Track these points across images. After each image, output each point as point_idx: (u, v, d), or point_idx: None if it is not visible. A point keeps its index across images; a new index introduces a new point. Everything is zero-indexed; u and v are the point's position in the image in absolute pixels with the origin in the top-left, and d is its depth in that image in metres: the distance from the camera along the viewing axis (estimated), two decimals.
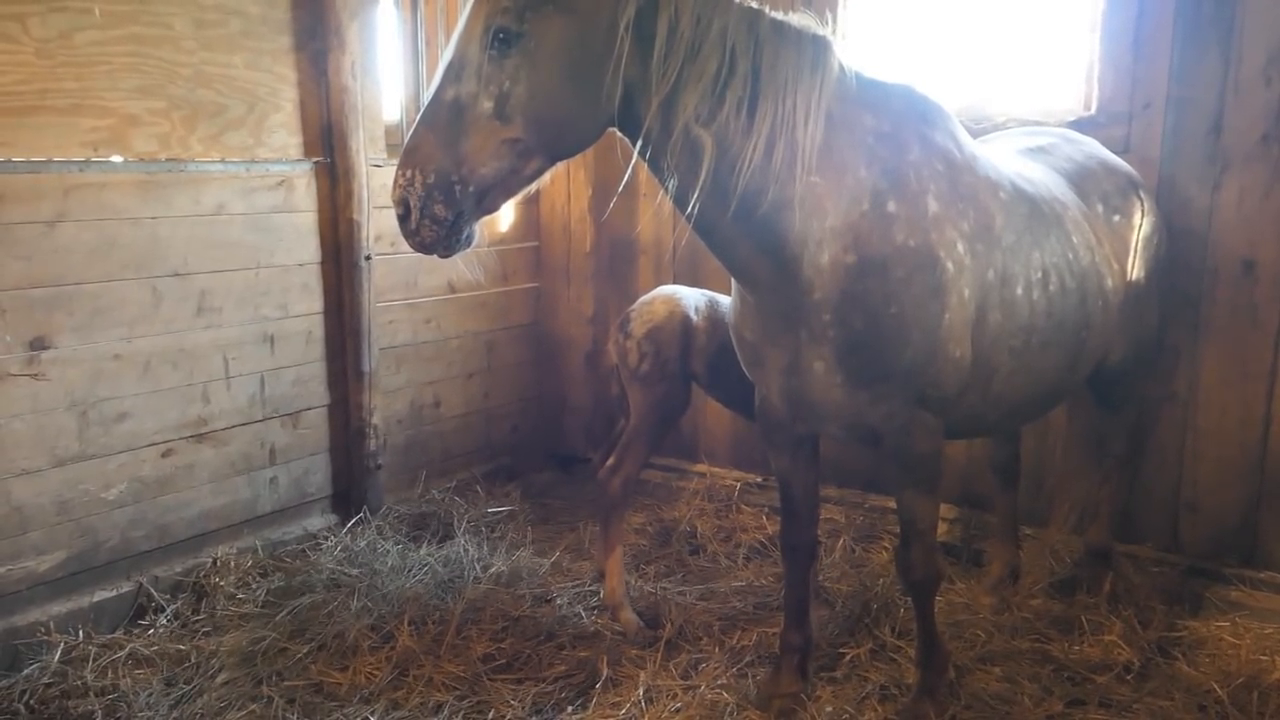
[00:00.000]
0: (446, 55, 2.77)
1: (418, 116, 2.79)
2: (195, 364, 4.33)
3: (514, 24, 2.68)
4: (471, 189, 2.74)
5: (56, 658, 3.71)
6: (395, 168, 2.77)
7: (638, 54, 2.75)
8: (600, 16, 2.72)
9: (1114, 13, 4.27)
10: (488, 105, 2.71)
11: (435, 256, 2.87)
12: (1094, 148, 3.95)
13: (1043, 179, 3.53)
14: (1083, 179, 3.71)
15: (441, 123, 2.72)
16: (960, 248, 3.03)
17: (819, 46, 2.92)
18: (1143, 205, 3.81)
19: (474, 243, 2.87)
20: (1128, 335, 3.75)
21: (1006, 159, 3.53)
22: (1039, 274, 3.26)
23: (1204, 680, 3.56)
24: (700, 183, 2.82)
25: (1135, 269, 3.72)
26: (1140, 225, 3.76)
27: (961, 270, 3.03)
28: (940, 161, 3.08)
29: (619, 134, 2.96)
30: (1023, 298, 3.20)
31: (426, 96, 2.80)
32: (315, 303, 4.80)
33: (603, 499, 4.16)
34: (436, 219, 2.73)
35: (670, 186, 2.91)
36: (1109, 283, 3.55)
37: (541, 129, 2.76)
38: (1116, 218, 3.71)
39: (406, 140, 2.78)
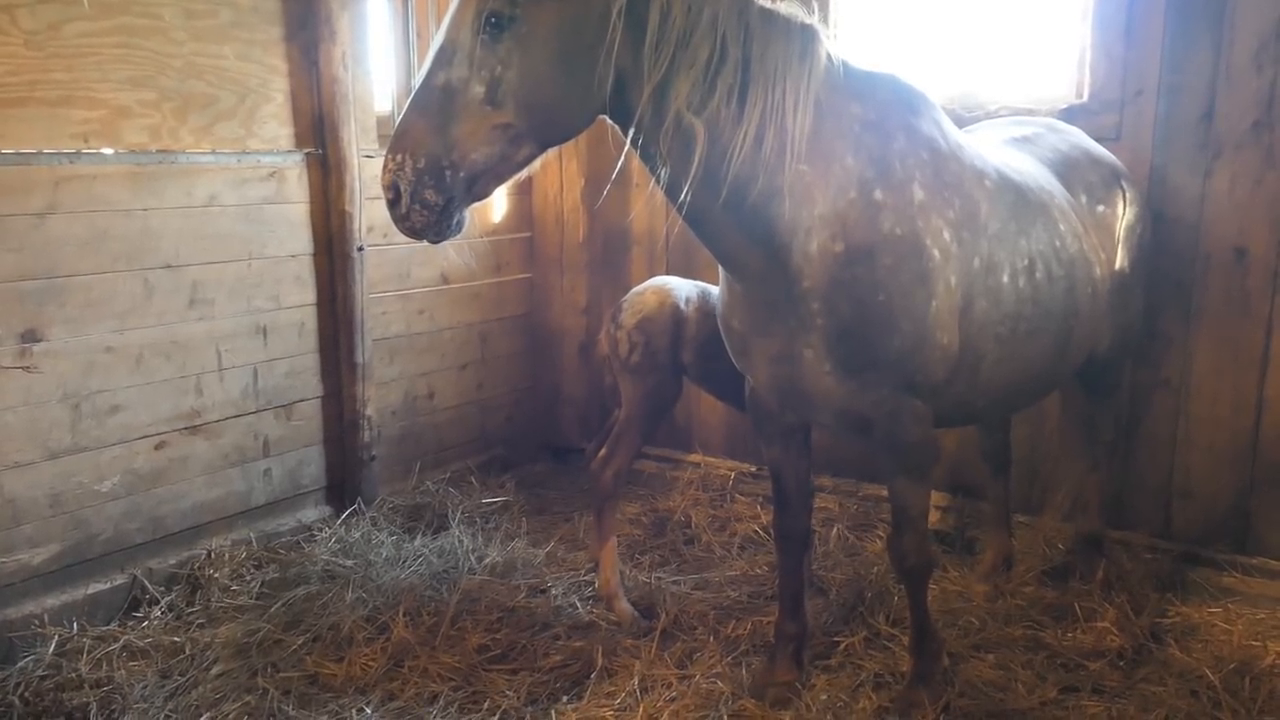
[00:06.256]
0: (437, 40, 2.75)
1: (408, 101, 2.76)
2: (188, 356, 4.32)
3: (507, 8, 2.66)
4: (462, 174, 2.73)
5: (51, 650, 3.71)
6: (385, 153, 2.75)
7: (630, 41, 2.74)
8: (593, 2, 2.71)
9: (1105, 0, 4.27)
10: (479, 90, 2.69)
11: (425, 243, 2.86)
12: (1079, 138, 3.95)
13: (1028, 168, 3.54)
14: (1068, 169, 3.72)
15: (432, 108, 2.70)
16: (946, 235, 3.04)
17: (807, 35, 2.92)
18: (1125, 196, 3.81)
19: (464, 229, 2.85)
20: (1115, 324, 3.76)
21: (992, 148, 3.53)
22: (1025, 262, 3.27)
23: (1196, 666, 3.58)
24: (692, 171, 2.82)
25: (1120, 258, 3.73)
26: (1124, 215, 3.77)
27: (948, 258, 3.04)
28: (925, 150, 3.08)
29: (610, 123, 2.96)
30: (1009, 285, 3.21)
31: (416, 81, 2.78)
32: (308, 294, 4.79)
33: (595, 490, 4.16)
34: (427, 204, 2.71)
35: (661, 175, 2.91)
36: (1096, 271, 3.57)
37: (533, 114, 2.75)
38: (1101, 208, 3.72)
39: (396, 125, 2.77)
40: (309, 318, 4.81)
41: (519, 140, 2.78)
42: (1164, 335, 4.29)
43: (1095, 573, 4.10)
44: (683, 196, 2.88)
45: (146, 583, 4.16)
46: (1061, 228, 3.45)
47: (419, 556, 4.51)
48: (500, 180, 2.86)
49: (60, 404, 3.92)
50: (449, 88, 2.70)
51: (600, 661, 3.69)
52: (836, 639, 3.83)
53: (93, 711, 3.39)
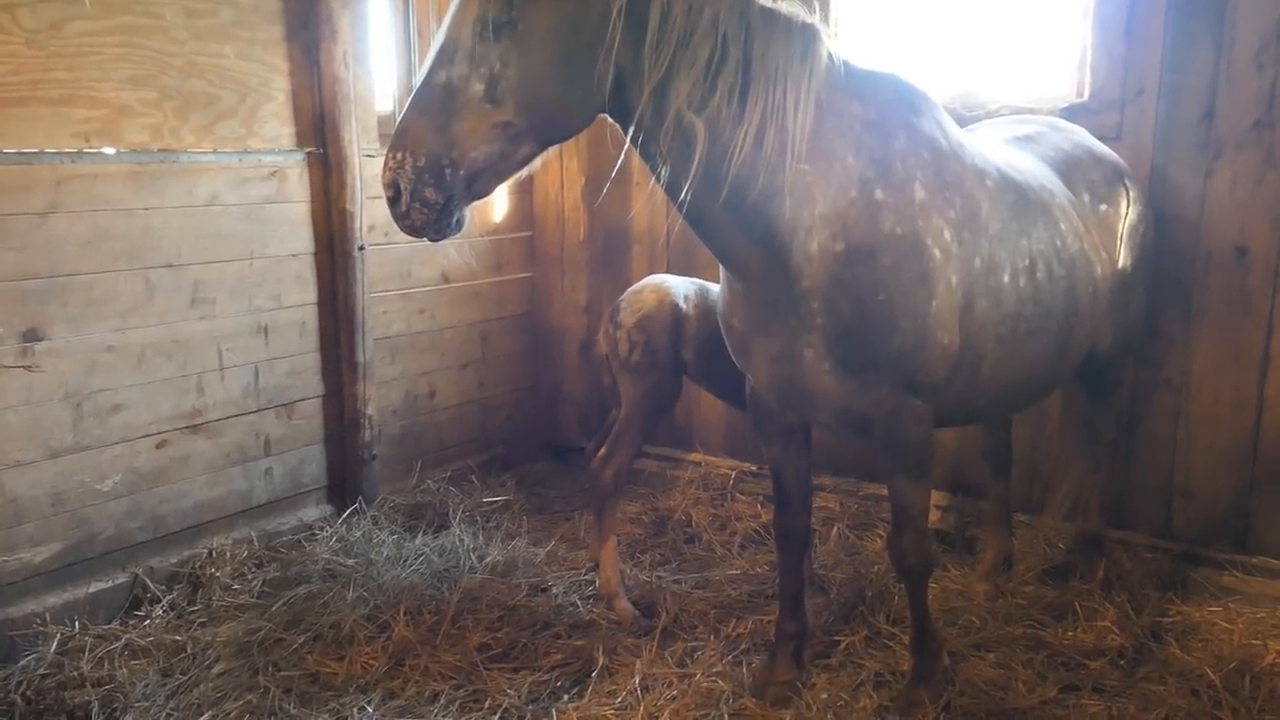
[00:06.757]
0: (438, 39, 2.76)
1: (409, 99, 2.77)
2: (189, 355, 4.33)
3: (505, 12, 2.67)
4: (462, 172, 2.73)
5: (53, 649, 3.72)
6: (386, 151, 2.75)
7: (629, 40, 2.74)
8: (592, 2, 2.71)
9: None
10: (479, 88, 2.69)
11: (426, 240, 2.87)
12: (1081, 136, 3.95)
13: (1030, 168, 3.54)
14: (1070, 168, 3.71)
15: (433, 106, 2.70)
16: (947, 235, 3.04)
17: (808, 35, 2.92)
18: (1129, 194, 3.81)
19: (465, 227, 2.85)
20: (1116, 323, 3.76)
21: (993, 147, 3.53)
22: (1026, 261, 3.26)
23: (1197, 665, 3.58)
24: (693, 170, 2.82)
25: (1122, 257, 3.73)
26: (1126, 214, 3.77)
27: (949, 258, 3.04)
28: (926, 149, 3.08)
29: (611, 121, 2.96)
30: (1009, 285, 3.21)
31: (417, 80, 2.79)
32: (309, 293, 4.79)
33: (595, 489, 4.16)
34: (427, 202, 2.72)
35: (662, 174, 2.91)
36: (1097, 271, 3.56)
37: (533, 112, 2.75)
38: (1103, 207, 3.72)
39: (397, 123, 2.77)
40: (310, 317, 4.81)
41: (519, 138, 2.78)
42: (1164, 334, 4.28)
43: (1095, 572, 4.10)
44: (683, 195, 2.88)
45: (148, 581, 4.17)
46: (1063, 227, 3.45)
47: (420, 555, 4.52)
48: (501, 178, 2.86)
49: (62, 403, 3.92)
50: (449, 86, 2.70)
51: (601, 660, 3.70)
52: (837, 638, 3.83)
53: (94, 710, 3.39)
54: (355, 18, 4.73)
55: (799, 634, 3.59)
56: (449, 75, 2.70)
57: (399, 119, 2.77)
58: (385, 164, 2.74)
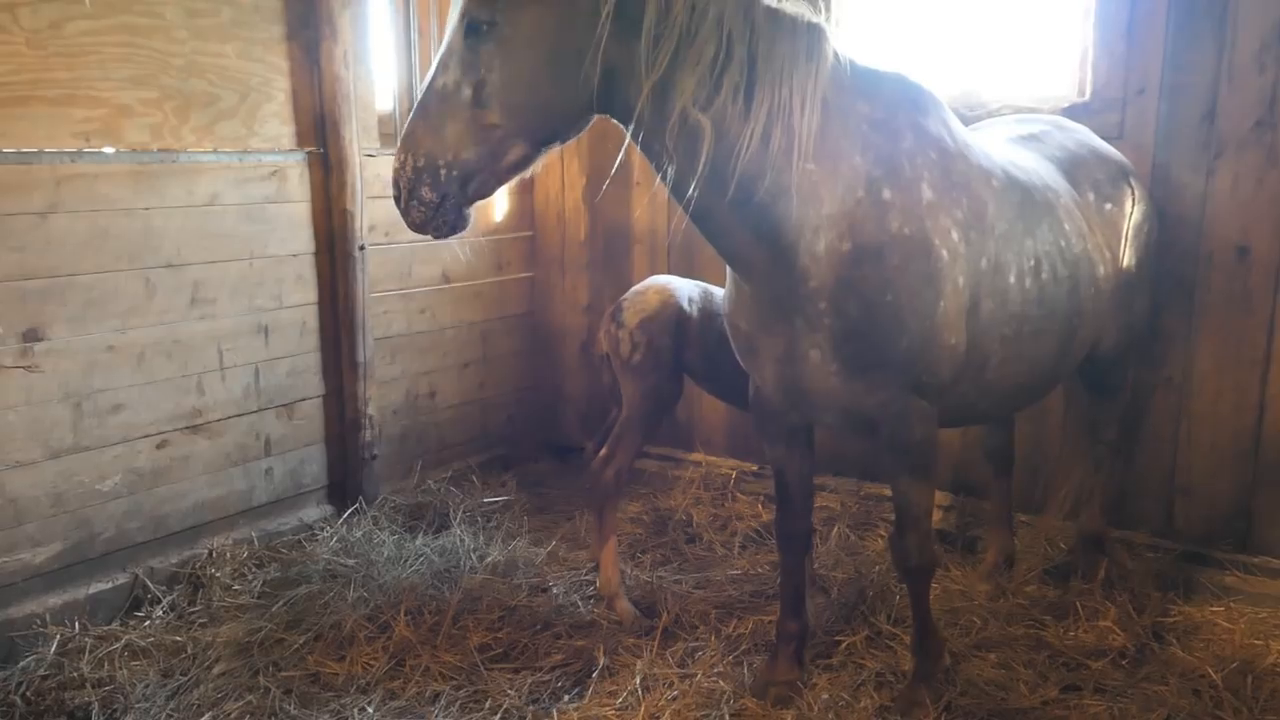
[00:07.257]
0: (443, 44, 2.85)
1: (415, 103, 2.87)
2: (189, 355, 4.32)
3: (486, 13, 2.73)
4: (455, 174, 2.83)
5: (53, 650, 3.71)
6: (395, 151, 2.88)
7: (622, 39, 2.75)
8: (579, 4, 2.73)
9: None
10: (467, 92, 2.79)
11: (430, 237, 2.96)
12: (1085, 135, 3.95)
13: (1034, 167, 3.53)
14: (1074, 167, 3.71)
15: (432, 110, 2.82)
16: (954, 235, 3.04)
17: (814, 34, 2.92)
18: (1133, 193, 3.81)
19: (468, 225, 2.94)
20: (1119, 322, 3.76)
21: (998, 147, 3.52)
22: (1031, 262, 3.26)
23: (1198, 665, 3.57)
24: (699, 168, 2.83)
25: (1126, 257, 3.73)
26: (1131, 213, 3.77)
27: (956, 258, 3.03)
28: (933, 149, 3.08)
29: (614, 121, 2.97)
30: (1015, 286, 3.21)
31: (422, 84, 2.89)
32: (310, 293, 4.79)
33: (596, 489, 4.15)
34: (423, 201, 2.84)
35: (668, 172, 2.91)
36: (1100, 270, 3.56)
37: (517, 115, 2.82)
38: (1108, 206, 3.71)
39: (404, 125, 2.88)
40: (310, 316, 4.81)
41: (506, 140, 2.84)
42: (1166, 333, 4.28)
43: (1097, 572, 4.10)
44: (690, 193, 2.88)
45: (148, 582, 4.16)
46: (1066, 227, 3.44)
47: (420, 555, 4.51)
48: (499, 179, 2.93)
49: (62, 403, 3.92)
50: (444, 90, 2.81)
51: (602, 660, 3.69)
52: (838, 638, 3.83)
53: (95, 711, 3.39)
54: (355, 17, 4.74)
55: (800, 634, 3.59)
56: (444, 80, 2.82)
57: (407, 121, 2.87)
58: (393, 164, 2.88)
